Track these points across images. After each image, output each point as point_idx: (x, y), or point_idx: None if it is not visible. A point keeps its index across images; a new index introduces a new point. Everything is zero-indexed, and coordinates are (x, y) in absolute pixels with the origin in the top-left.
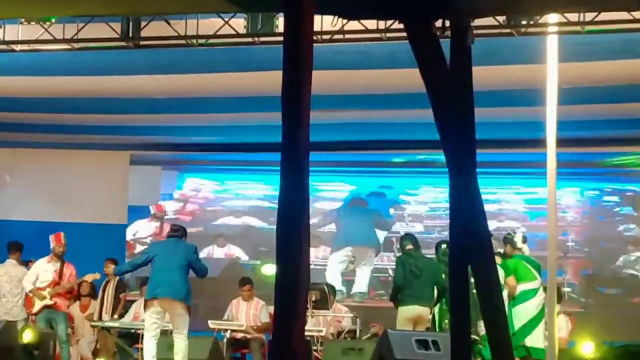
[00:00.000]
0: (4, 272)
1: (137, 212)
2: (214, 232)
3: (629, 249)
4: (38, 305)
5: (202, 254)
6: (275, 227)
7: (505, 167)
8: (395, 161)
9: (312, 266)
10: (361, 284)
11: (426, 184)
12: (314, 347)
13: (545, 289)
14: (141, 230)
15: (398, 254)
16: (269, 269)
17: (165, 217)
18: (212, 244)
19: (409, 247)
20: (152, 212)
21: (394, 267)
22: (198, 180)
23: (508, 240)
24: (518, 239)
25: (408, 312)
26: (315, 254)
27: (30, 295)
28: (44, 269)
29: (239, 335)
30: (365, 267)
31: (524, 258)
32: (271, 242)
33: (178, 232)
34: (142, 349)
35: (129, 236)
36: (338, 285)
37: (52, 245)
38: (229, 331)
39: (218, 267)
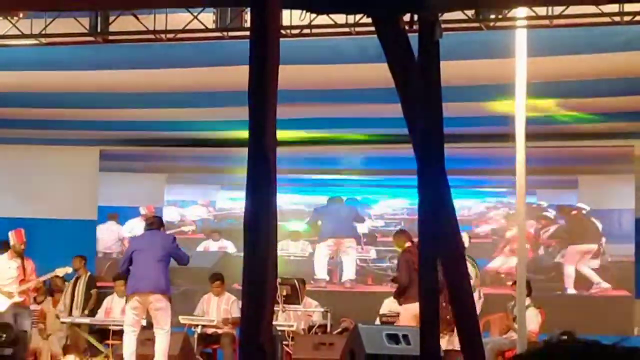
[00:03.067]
0: None
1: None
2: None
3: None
4: (5, 303)
5: (199, 248)
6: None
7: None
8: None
9: (292, 258)
10: (349, 272)
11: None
12: (285, 342)
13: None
14: (135, 228)
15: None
16: None
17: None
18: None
19: (408, 244)
20: (143, 212)
21: (397, 264)
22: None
23: None
24: (465, 238)
25: (415, 309)
26: (295, 247)
27: None
28: (7, 266)
29: (210, 330)
30: (349, 256)
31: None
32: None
33: (153, 224)
34: (112, 345)
35: (125, 233)
36: (323, 274)
37: (12, 242)
38: (199, 326)
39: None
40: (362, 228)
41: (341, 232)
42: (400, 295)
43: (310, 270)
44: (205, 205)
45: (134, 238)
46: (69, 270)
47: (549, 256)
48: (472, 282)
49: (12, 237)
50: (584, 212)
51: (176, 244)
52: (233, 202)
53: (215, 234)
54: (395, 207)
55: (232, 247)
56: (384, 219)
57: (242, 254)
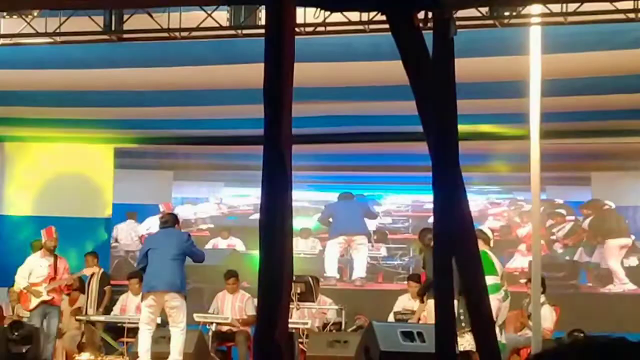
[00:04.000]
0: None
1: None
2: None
3: None
4: (35, 301)
5: (208, 246)
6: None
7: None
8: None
9: (302, 256)
10: (360, 270)
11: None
12: (300, 340)
13: (504, 290)
14: (152, 226)
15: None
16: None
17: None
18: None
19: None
20: (161, 209)
21: (423, 260)
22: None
23: (479, 234)
24: (489, 233)
25: None
26: (305, 244)
27: (25, 291)
28: (38, 264)
29: (225, 328)
30: (360, 254)
31: (486, 252)
32: None
33: (168, 222)
34: (127, 342)
35: (142, 231)
36: (333, 272)
37: (43, 240)
38: (214, 324)
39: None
40: (372, 225)
41: (352, 229)
42: (426, 291)
43: (320, 268)
44: (217, 203)
45: (150, 236)
46: (97, 269)
47: (564, 254)
48: (496, 280)
49: (43, 235)
50: (613, 207)
51: (191, 241)
52: (245, 199)
53: (224, 232)
54: (400, 203)
55: (240, 245)
56: (391, 215)
57: (250, 252)
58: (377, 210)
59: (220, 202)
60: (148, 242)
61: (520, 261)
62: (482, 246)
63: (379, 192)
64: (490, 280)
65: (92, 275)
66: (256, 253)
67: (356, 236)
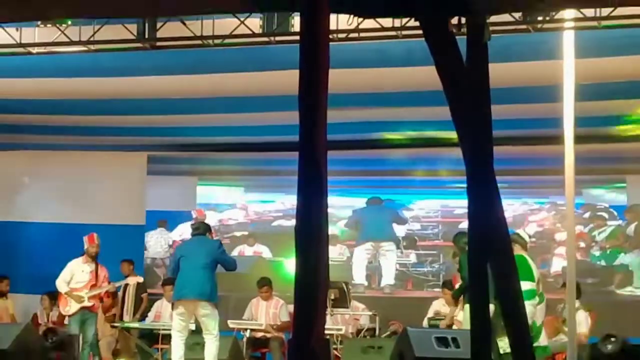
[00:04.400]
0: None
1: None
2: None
3: None
4: (75, 306)
5: (234, 253)
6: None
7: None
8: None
9: (330, 263)
10: (388, 277)
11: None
12: (334, 346)
13: (538, 295)
14: (185, 233)
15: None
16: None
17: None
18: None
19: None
20: (194, 216)
21: (459, 265)
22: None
23: (517, 238)
24: (526, 237)
25: None
26: (333, 251)
27: (65, 296)
28: (80, 270)
29: (259, 334)
30: (388, 260)
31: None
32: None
33: (199, 229)
34: (161, 349)
35: (175, 237)
36: (361, 279)
37: (85, 246)
38: (248, 330)
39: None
40: (400, 231)
41: (380, 235)
42: (461, 294)
43: (348, 275)
44: (244, 209)
45: (181, 244)
46: (141, 279)
47: (601, 257)
48: (532, 286)
49: (85, 241)
50: None
51: (222, 249)
52: (270, 205)
53: (250, 239)
54: (429, 208)
55: (267, 252)
56: (420, 221)
57: (277, 259)
58: (406, 216)
59: (246, 209)
60: (179, 250)
61: (557, 265)
62: (519, 250)
63: (409, 196)
64: (526, 285)
65: (128, 282)
66: (282, 260)
67: (384, 242)
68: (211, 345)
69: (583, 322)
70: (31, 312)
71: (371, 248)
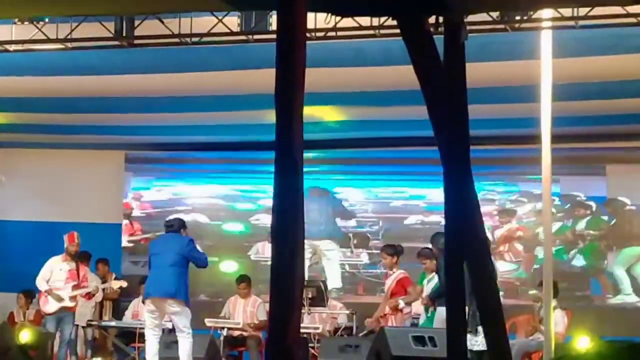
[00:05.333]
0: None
1: None
2: None
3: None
4: (54, 305)
5: None
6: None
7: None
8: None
9: (263, 263)
10: (333, 280)
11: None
12: (311, 345)
13: None
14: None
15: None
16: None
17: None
18: None
19: None
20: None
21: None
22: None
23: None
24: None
25: None
26: (263, 250)
27: (45, 295)
28: (59, 268)
29: (236, 333)
30: (330, 261)
31: None
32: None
33: (173, 226)
34: (138, 347)
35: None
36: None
37: (65, 245)
38: (225, 329)
39: None
40: (349, 227)
41: (319, 232)
42: (438, 297)
43: None
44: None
45: (153, 241)
46: (125, 284)
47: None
48: None
49: (65, 239)
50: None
51: (192, 246)
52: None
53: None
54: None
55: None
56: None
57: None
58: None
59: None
60: (151, 247)
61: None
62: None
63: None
64: None
65: (105, 281)
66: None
67: (322, 241)
68: (184, 342)
69: (560, 321)
70: (8, 310)
71: (309, 247)
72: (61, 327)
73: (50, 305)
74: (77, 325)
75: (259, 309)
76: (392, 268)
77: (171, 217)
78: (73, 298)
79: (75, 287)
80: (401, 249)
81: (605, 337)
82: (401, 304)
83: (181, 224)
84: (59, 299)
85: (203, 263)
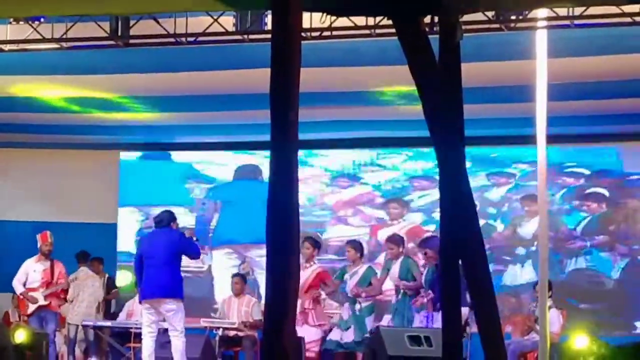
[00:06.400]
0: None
1: None
2: None
3: None
4: (32, 307)
5: None
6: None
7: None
8: None
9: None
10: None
11: None
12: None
13: None
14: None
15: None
16: None
17: None
18: None
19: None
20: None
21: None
22: None
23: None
24: None
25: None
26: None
27: (22, 297)
28: (33, 269)
29: (231, 333)
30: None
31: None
32: None
33: (162, 221)
34: (134, 347)
35: None
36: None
37: (39, 244)
38: (221, 329)
39: None
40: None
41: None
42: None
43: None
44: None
45: (143, 238)
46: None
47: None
48: None
49: (38, 239)
50: None
51: (184, 240)
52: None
53: None
54: None
55: None
56: None
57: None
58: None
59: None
60: (141, 246)
61: None
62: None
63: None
64: None
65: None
66: None
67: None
68: (177, 341)
69: (555, 320)
70: (2, 310)
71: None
72: (44, 326)
73: (27, 307)
74: (78, 326)
75: (254, 308)
76: (309, 261)
77: (159, 211)
78: (48, 296)
79: (49, 286)
80: (320, 242)
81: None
82: (322, 295)
83: (171, 218)
84: (34, 300)
85: (196, 256)
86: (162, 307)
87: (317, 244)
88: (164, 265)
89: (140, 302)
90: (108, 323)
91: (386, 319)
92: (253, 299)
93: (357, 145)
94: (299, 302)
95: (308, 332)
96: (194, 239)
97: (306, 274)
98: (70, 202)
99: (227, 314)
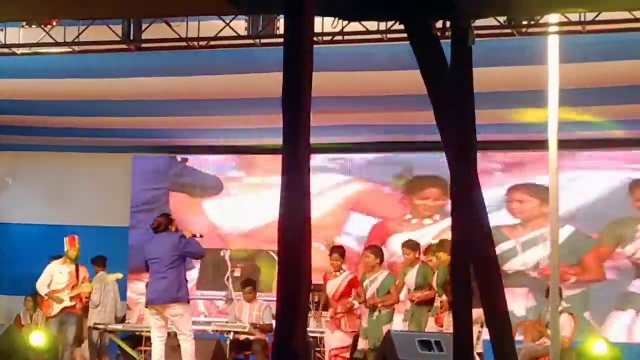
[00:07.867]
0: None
1: None
2: None
3: None
4: (57, 308)
5: None
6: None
7: None
8: None
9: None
10: None
11: None
12: (317, 349)
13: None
14: None
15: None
16: None
17: None
18: None
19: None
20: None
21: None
22: None
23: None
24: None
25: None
26: None
27: (47, 298)
28: (59, 271)
29: (242, 337)
30: None
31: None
32: None
33: (160, 226)
34: (145, 351)
35: None
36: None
37: (66, 249)
38: (232, 333)
39: None
40: None
41: None
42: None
43: None
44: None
45: (147, 244)
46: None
47: None
48: None
49: (66, 243)
50: None
51: (184, 241)
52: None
53: None
54: None
55: None
56: None
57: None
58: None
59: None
60: (145, 252)
61: None
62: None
63: None
64: None
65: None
66: None
67: None
68: (186, 345)
69: (567, 325)
70: (14, 313)
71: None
72: (64, 329)
73: (52, 309)
74: (100, 331)
75: (265, 312)
76: (338, 270)
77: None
78: (73, 298)
79: (74, 288)
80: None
81: None
82: (356, 304)
83: (168, 221)
84: (60, 301)
85: (200, 255)
86: (167, 312)
87: (344, 255)
88: (167, 270)
89: (146, 307)
90: (119, 326)
91: (402, 325)
92: (265, 304)
93: (368, 150)
94: (331, 309)
95: (339, 339)
96: (198, 235)
97: (337, 282)
98: (82, 205)
99: (238, 317)
